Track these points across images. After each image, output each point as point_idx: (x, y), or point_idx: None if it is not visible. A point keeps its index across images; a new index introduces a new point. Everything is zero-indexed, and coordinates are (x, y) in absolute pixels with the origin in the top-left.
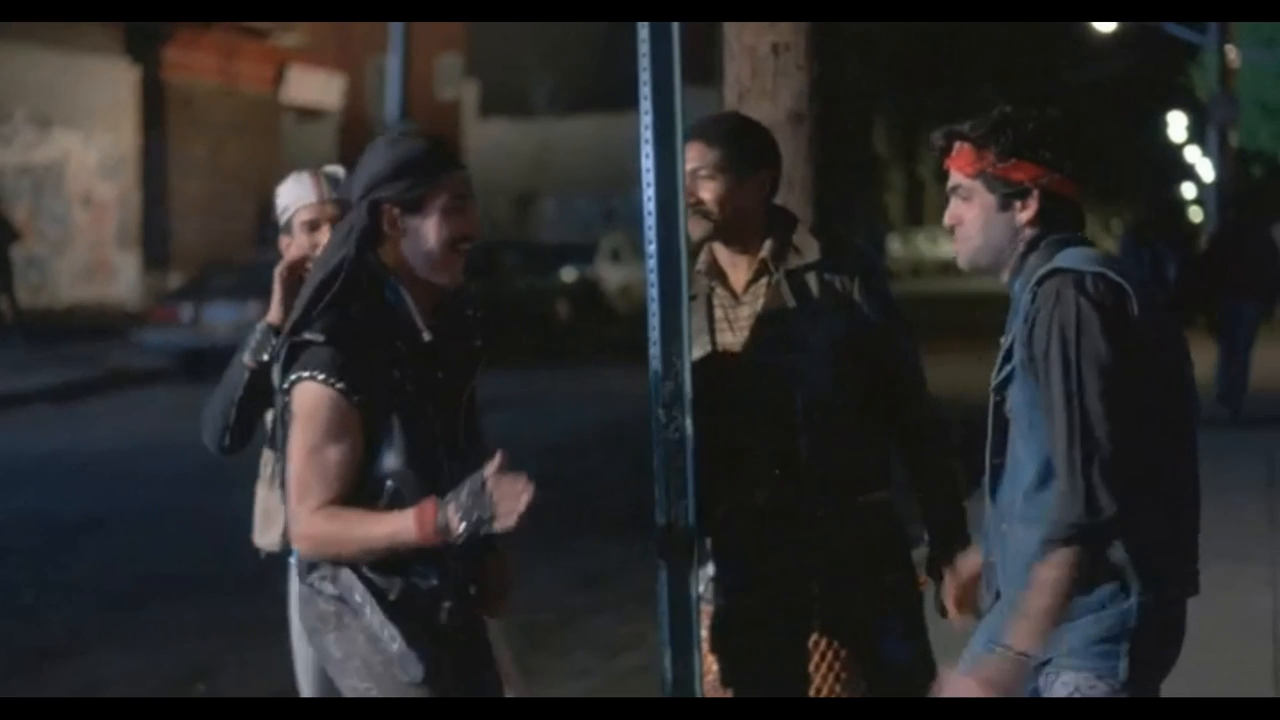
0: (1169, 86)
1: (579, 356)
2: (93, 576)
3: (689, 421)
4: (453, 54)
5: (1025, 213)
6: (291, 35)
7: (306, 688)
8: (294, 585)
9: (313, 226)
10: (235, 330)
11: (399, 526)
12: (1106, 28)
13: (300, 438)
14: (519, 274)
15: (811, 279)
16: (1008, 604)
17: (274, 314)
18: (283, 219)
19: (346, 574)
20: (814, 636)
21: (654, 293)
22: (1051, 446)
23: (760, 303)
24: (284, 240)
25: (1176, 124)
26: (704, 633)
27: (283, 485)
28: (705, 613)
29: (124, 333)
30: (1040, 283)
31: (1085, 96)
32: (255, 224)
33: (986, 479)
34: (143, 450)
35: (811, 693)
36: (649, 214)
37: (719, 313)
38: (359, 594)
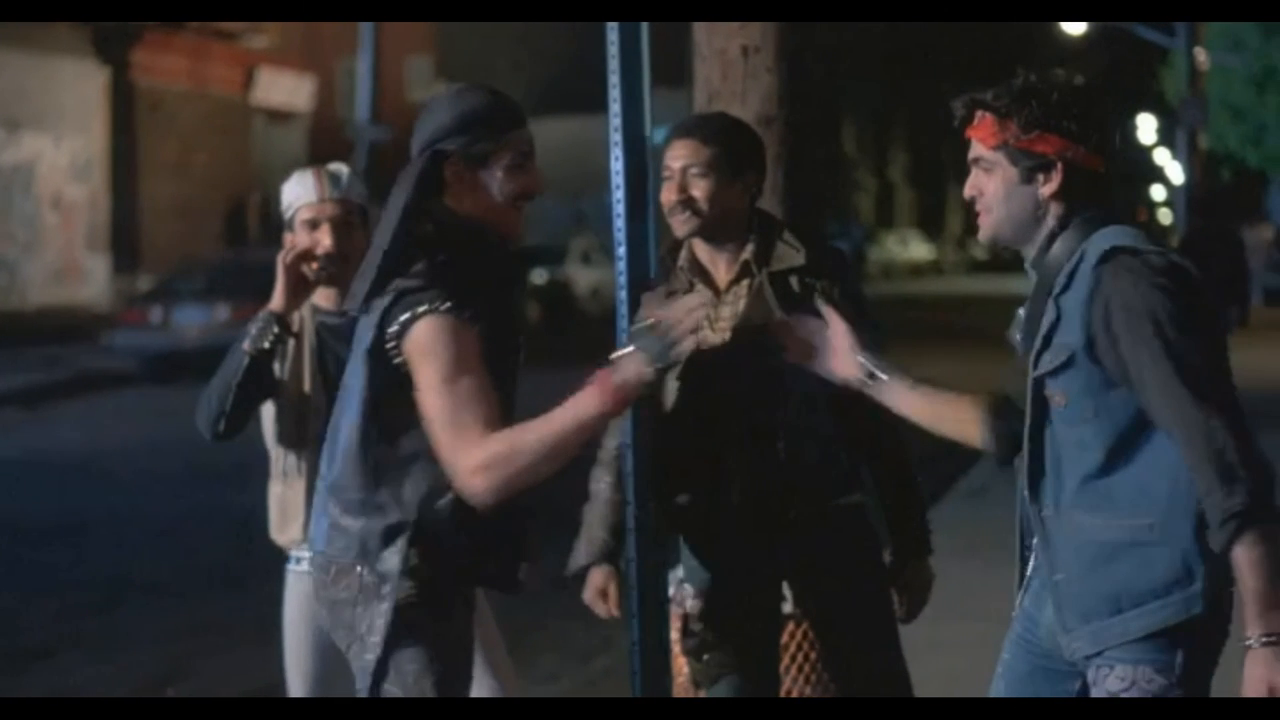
0: (1139, 89)
1: (550, 359)
2: (64, 579)
3: (660, 424)
4: (422, 56)
5: (1049, 186)
6: (261, 38)
7: (299, 685)
8: (292, 584)
9: (313, 225)
10: (204, 332)
11: (577, 407)
12: (1077, 30)
13: (432, 375)
14: None
15: (794, 282)
16: (1046, 588)
17: (276, 302)
18: (285, 216)
19: (392, 558)
20: (785, 638)
21: (623, 295)
22: (1178, 427)
23: (742, 303)
24: (288, 238)
25: (1146, 126)
26: (674, 634)
27: (358, 453)
28: (675, 615)
29: (93, 335)
30: (1103, 262)
31: None
32: (225, 226)
33: (1024, 465)
34: (113, 452)
35: (782, 693)
36: (618, 216)
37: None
38: (389, 585)
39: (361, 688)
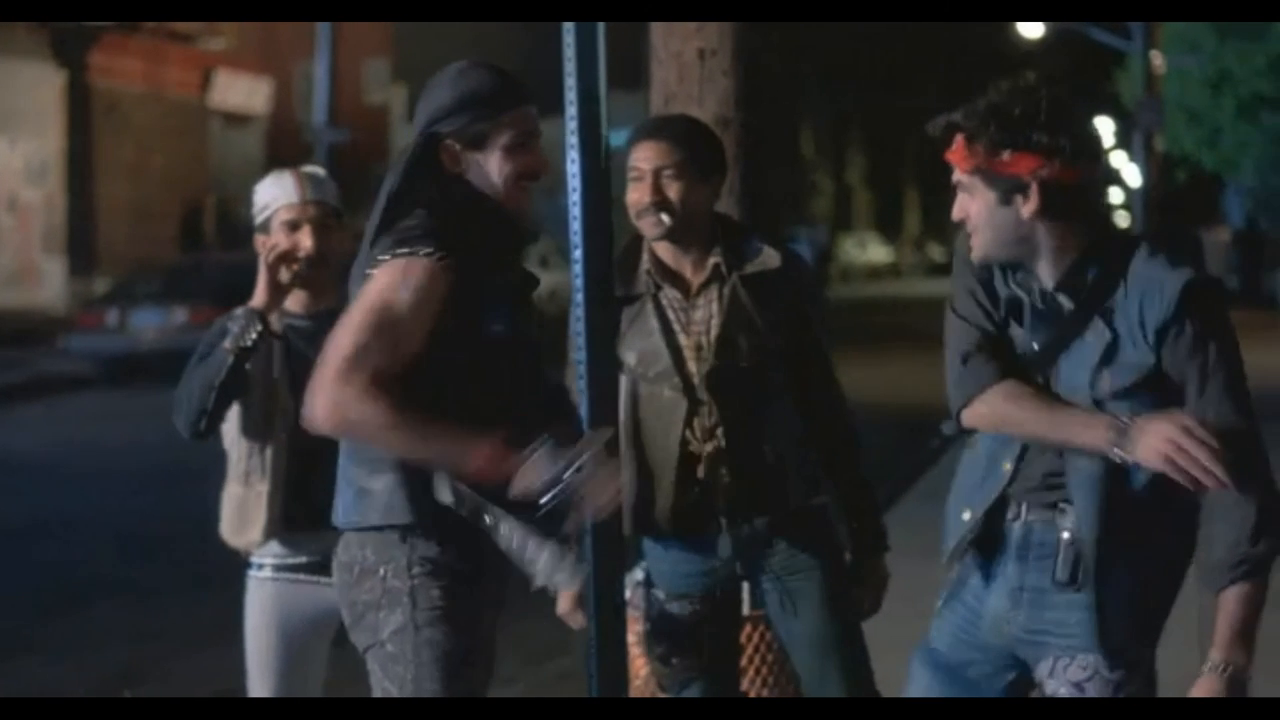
0: (1095, 92)
1: None
2: (22, 581)
3: (640, 427)
4: (380, 58)
5: (1028, 206)
6: (218, 40)
7: (262, 691)
8: (254, 590)
9: (293, 226)
10: (161, 335)
11: (460, 450)
12: (1033, 34)
13: (369, 299)
14: None
15: (766, 285)
16: (998, 580)
17: (259, 299)
18: (260, 218)
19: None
20: (741, 639)
21: (580, 297)
22: (1232, 465)
23: (715, 306)
24: (260, 239)
25: (1103, 129)
26: (630, 637)
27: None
28: (632, 618)
29: (50, 338)
30: (1189, 290)
31: None
32: (181, 229)
33: (1077, 480)
34: (71, 456)
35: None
36: (575, 219)
37: (670, 314)
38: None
39: (379, 687)
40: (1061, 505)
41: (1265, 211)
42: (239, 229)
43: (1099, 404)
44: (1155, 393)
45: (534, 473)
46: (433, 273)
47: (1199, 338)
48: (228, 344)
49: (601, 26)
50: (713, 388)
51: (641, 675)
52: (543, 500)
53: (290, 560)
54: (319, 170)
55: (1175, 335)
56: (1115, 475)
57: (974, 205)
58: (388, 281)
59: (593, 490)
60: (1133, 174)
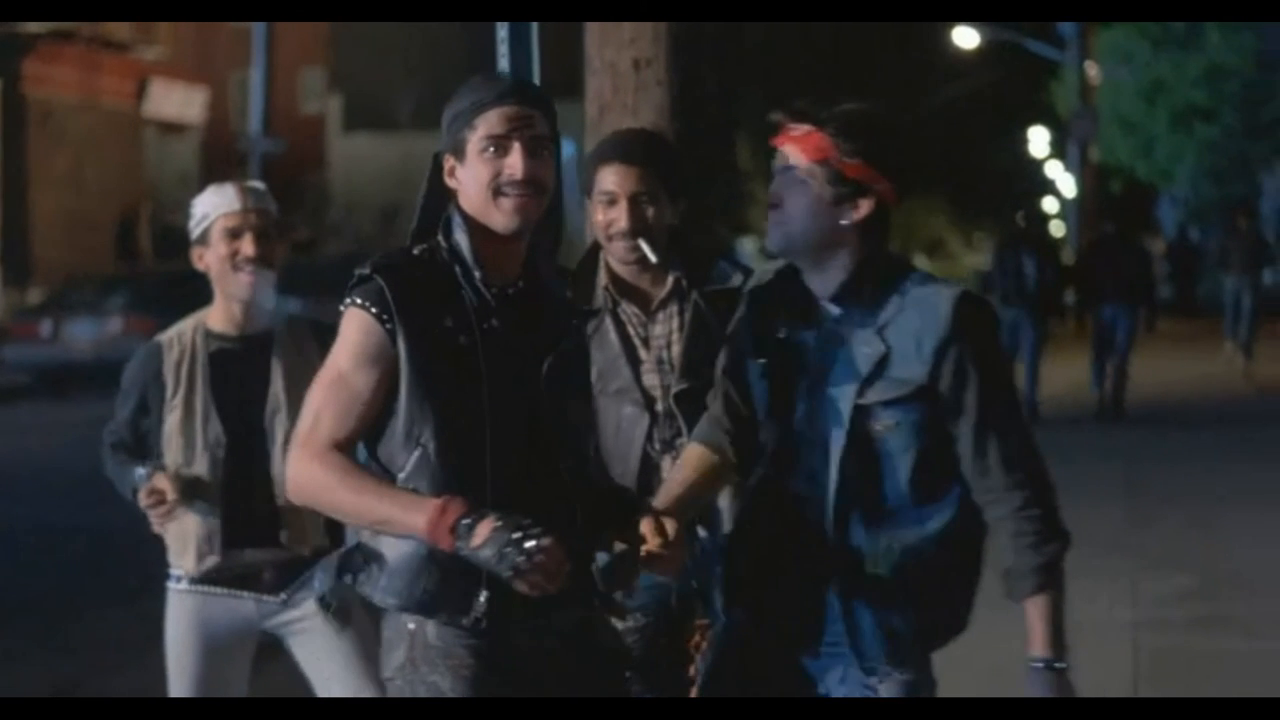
0: (1030, 103)
1: None
2: None
3: (602, 439)
4: (316, 67)
5: (855, 214)
6: (153, 49)
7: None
8: (175, 603)
9: (234, 234)
10: (96, 345)
11: (406, 517)
12: (969, 44)
13: (328, 361)
14: None
15: (727, 302)
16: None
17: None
18: (198, 229)
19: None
20: (693, 642)
21: None
22: (1016, 472)
23: (676, 322)
24: (197, 252)
25: (1038, 139)
26: None
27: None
28: None
29: None
30: (960, 306)
31: (948, 113)
32: (116, 239)
33: (829, 490)
34: (5, 466)
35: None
36: None
37: (629, 330)
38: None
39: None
40: None
41: (1198, 222)
42: (174, 239)
43: (862, 410)
44: (923, 404)
45: (480, 540)
46: (368, 325)
47: (974, 353)
48: (132, 495)
49: (535, 27)
50: (674, 402)
51: None
52: (484, 564)
53: (206, 574)
54: (258, 184)
55: (950, 351)
56: (871, 491)
57: (799, 197)
58: (339, 339)
59: (532, 577)
60: (1068, 184)
